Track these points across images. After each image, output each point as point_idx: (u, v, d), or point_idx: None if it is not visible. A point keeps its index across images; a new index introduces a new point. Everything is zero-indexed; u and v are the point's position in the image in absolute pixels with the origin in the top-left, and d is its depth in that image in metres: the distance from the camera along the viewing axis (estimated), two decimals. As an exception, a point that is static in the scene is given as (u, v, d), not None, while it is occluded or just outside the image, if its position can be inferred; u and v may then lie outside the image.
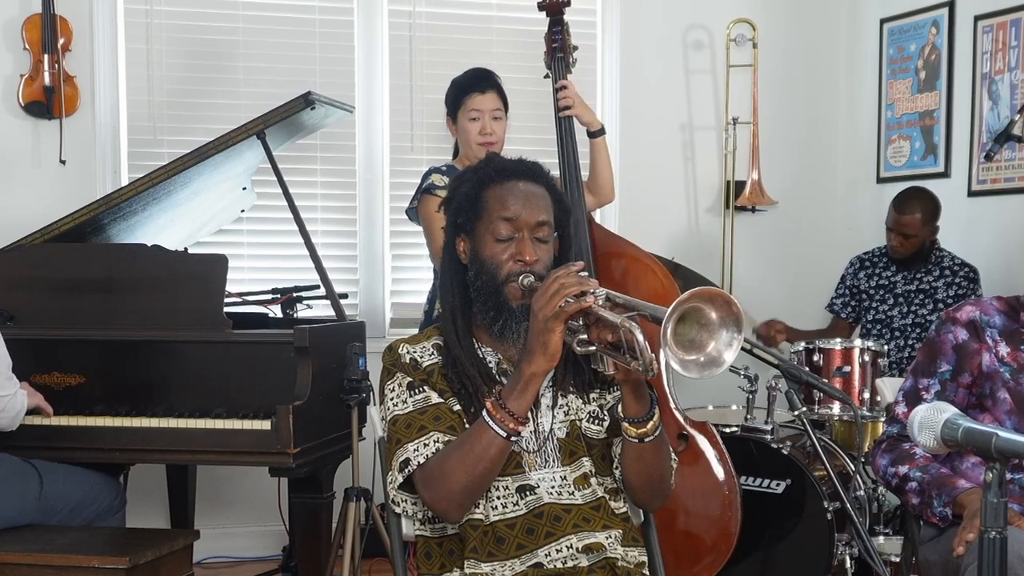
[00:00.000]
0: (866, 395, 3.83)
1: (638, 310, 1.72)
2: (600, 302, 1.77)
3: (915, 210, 4.12)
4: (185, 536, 3.11)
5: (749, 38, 4.81)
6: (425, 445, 1.91)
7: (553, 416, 2.00)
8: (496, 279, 1.96)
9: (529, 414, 1.96)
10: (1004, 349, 2.47)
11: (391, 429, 1.97)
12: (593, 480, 1.99)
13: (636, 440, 1.90)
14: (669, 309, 1.60)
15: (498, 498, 1.94)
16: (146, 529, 3.31)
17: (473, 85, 3.39)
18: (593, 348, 1.81)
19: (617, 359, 1.77)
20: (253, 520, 4.38)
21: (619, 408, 1.91)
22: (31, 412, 3.05)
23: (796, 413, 2.98)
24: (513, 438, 1.87)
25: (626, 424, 1.90)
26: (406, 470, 1.92)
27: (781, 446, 3.59)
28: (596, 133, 3.49)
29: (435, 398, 1.97)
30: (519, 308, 1.94)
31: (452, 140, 3.61)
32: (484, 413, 1.86)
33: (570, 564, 1.92)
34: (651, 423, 1.89)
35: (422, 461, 1.91)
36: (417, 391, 1.97)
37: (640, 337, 1.67)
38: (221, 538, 4.27)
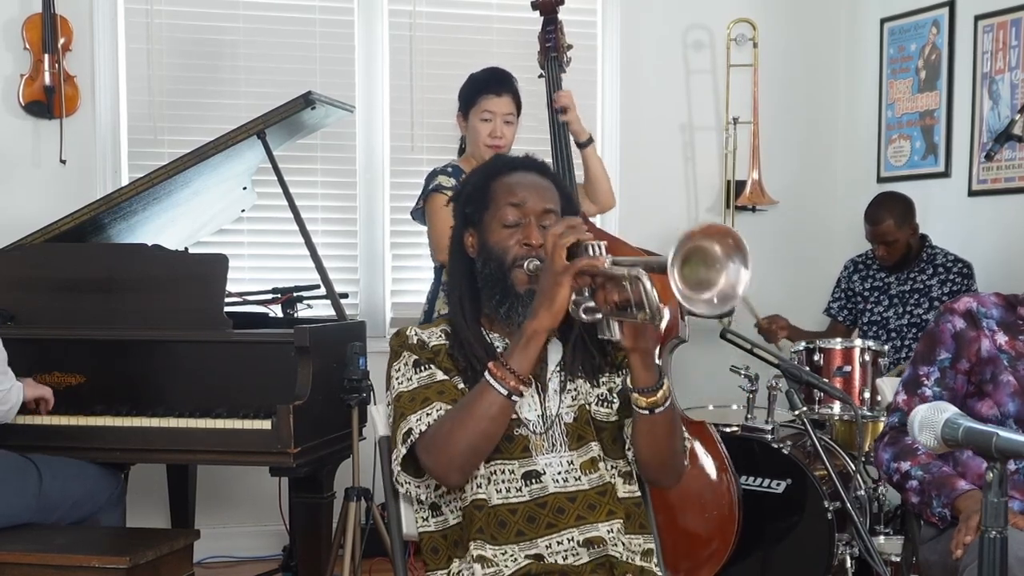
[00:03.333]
0: (866, 395, 3.83)
1: (642, 265, 1.73)
2: (607, 264, 1.79)
3: (885, 217, 4.12)
4: (185, 536, 3.11)
5: (749, 38, 4.81)
6: (428, 415, 1.92)
7: (561, 400, 2.01)
8: (503, 264, 1.98)
9: (535, 399, 1.98)
10: (1002, 338, 2.48)
11: (395, 406, 1.98)
12: (601, 465, 2.00)
13: (647, 411, 1.91)
14: (671, 253, 1.60)
15: (503, 481, 1.95)
16: (146, 529, 3.32)
17: (490, 86, 3.38)
18: (600, 315, 1.82)
19: (625, 318, 1.78)
20: (253, 520, 4.39)
21: (628, 381, 1.92)
22: (27, 411, 3.06)
23: (796, 413, 2.98)
24: (514, 398, 1.87)
25: (636, 395, 1.91)
26: (408, 440, 1.92)
27: (781, 446, 3.59)
28: (584, 144, 3.50)
29: (440, 375, 1.98)
30: (526, 293, 1.95)
31: (453, 139, 3.61)
32: (486, 373, 1.88)
33: (570, 560, 1.93)
34: (660, 392, 1.90)
35: (424, 429, 1.91)
36: (423, 368, 1.99)
37: (647, 282, 1.68)
38: (221, 538, 4.27)
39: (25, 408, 3.07)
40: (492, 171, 2.07)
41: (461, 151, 3.57)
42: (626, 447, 2.03)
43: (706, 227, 1.66)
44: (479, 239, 2.03)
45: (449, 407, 1.93)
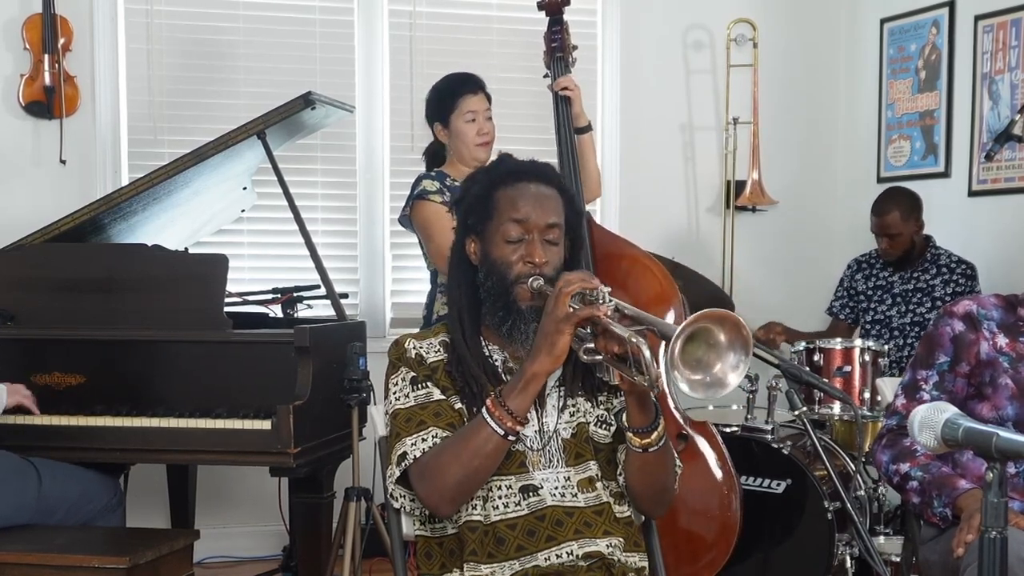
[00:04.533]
0: (866, 395, 3.83)
1: (646, 324, 1.72)
2: (609, 313, 1.77)
3: (892, 209, 4.15)
4: (185, 536, 3.11)
5: (749, 38, 4.81)
6: (423, 440, 1.92)
7: (559, 416, 2.00)
8: (505, 280, 1.97)
9: (532, 415, 1.97)
10: (1002, 340, 2.47)
11: (392, 423, 1.98)
12: (599, 484, 1.99)
13: (640, 450, 1.90)
14: (678, 329, 1.59)
15: (500, 498, 1.94)
16: (146, 529, 3.31)
17: (464, 87, 3.39)
18: (599, 358, 1.81)
19: (622, 371, 1.77)
20: (253, 520, 4.38)
21: (624, 418, 1.91)
22: (20, 412, 3.06)
23: (796, 413, 2.98)
24: (510, 437, 1.87)
25: (630, 434, 1.90)
26: (403, 464, 1.92)
27: (781, 446, 3.59)
28: (583, 129, 3.51)
29: (437, 394, 1.97)
30: (528, 310, 1.94)
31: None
32: (483, 410, 1.87)
33: (568, 566, 1.92)
34: (655, 433, 1.89)
35: (418, 455, 1.91)
36: (420, 386, 1.97)
37: (647, 354, 1.66)
38: (221, 538, 4.27)
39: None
40: (496, 179, 2.03)
41: (433, 160, 3.50)
42: (618, 472, 2.03)
43: (721, 314, 1.64)
44: (481, 248, 2.01)
45: (444, 432, 1.92)
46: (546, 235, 1.98)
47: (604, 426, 2.02)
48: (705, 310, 1.63)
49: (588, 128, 3.54)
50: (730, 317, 1.65)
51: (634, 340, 1.68)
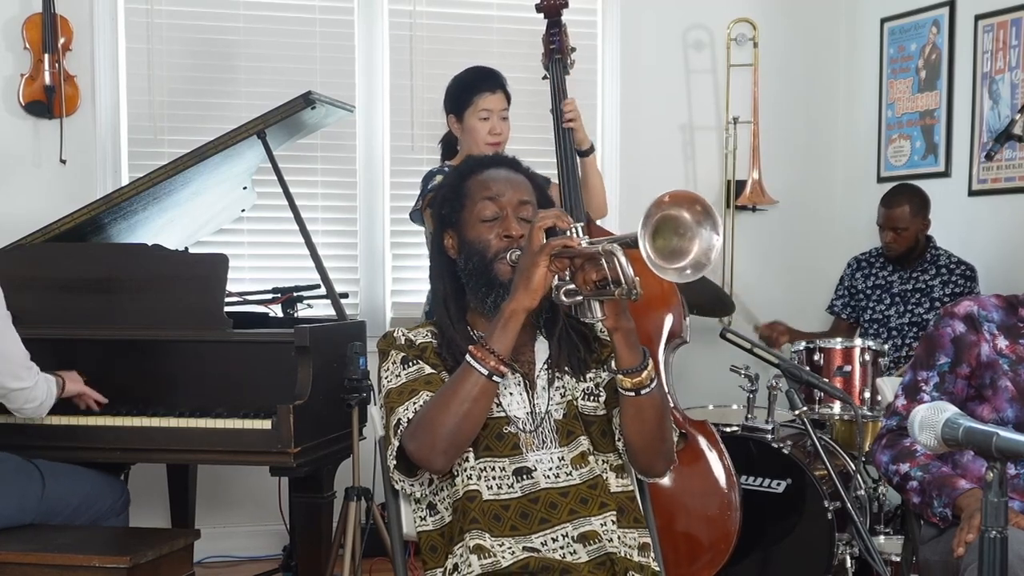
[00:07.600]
0: (867, 394, 3.83)
1: (617, 241, 1.75)
2: (583, 243, 1.81)
3: (903, 203, 4.16)
4: (186, 536, 3.11)
5: (750, 38, 4.81)
6: (414, 403, 1.94)
7: (549, 397, 2.02)
8: (485, 258, 1.99)
9: (524, 397, 1.99)
10: (1003, 342, 2.47)
11: (386, 403, 1.99)
12: (591, 458, 2.01)
13: (632, 392, 1.91)
14: (640, 225, 1.64)
15: (494, 478, 1.96)
16: (147, 529, 3.31)
17: (482, 84, 3.38)
18: (580, 297, 1.84)
19: (604, 296, 1.80)
20: (253, 520, 4.39)
21: (613, 364, 1.92)
22: (68, 411, 3.06)
23: (797, 412, 2.98)
24: (495, 378, 1.88)
25: (621, 376, 1.91)
26: (398, 431, 1.93)
27: (781, 445, 3.59)
28: (585, 152, 3.51)
29: (428, 369, 2.00)
30: (510, 283, 1.95)
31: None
32: (467, 355, 1.89)
33: (568, 558, 1.93)
34: (645, 372, 1.90)
35: (410, 416, 1.92)
36: (411, 364, 2.00)
37: (621, 257, 1.70)
38: (221, 538, 4.28)
39: (72, 407, 3.07)
40: (465, 171, 2.09)
41: (447, 149, 3.55)
42: (616, 439, 2.04)
43: (673, 194, 1.68)
44: (458, 238, 2.04)
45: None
46: (520, 212, 2.01)
47: (592, 398, 2.04)
48: (656, 197, 1.67)
49: (591, 150, 3.54)
50: (684, 194, 1.69)
51: (607, 247, 1.72)
